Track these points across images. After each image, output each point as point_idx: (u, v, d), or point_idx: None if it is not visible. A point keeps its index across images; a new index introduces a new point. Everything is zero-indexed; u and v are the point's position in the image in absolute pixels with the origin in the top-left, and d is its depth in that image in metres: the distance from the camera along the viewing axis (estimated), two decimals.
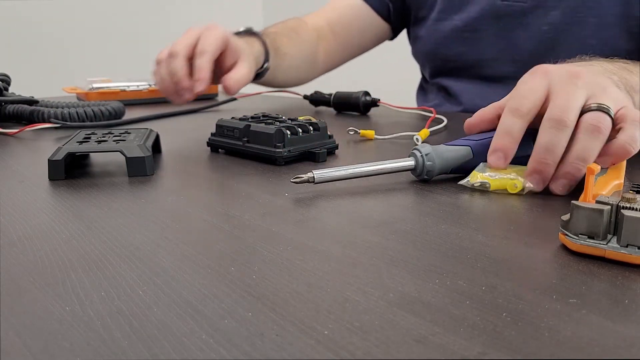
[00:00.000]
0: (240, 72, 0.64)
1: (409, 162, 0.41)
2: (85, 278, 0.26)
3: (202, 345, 0.20)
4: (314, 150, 0.49)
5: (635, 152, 0.37)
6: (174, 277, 0.26)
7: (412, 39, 0.93)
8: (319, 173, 0.36)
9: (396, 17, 0.92)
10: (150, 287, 0.25)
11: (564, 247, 0.29)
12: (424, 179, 0.42)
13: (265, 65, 0.74)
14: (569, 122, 0.37)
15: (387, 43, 0.97)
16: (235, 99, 0.93)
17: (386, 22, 0.91)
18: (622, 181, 0.35)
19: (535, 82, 0.40)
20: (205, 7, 2.20)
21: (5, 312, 0.23)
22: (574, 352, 0.19)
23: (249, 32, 0.75)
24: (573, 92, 0.38)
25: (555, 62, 0.45)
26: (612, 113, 0.37)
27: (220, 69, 0.65)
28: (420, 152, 0.41)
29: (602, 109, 0.37)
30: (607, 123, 0.37)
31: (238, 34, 0.73)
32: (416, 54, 0.94)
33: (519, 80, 0.42)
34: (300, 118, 0.53)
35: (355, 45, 0.94)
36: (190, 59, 0.62)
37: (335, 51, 0.93)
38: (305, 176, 0.36)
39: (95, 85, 0.93)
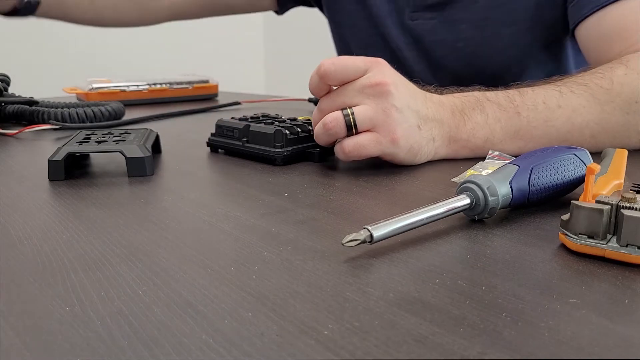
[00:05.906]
0: None
1: (465, 202, 0.32)
2: (85, 278, 0.26)
3: (202, 345, 0.20)
4: (314, 150, 0.49)
5: (345, 156, 0.43)
6: (174, 277, 0.26)
7: (336, 34, 0.88)
8: (376, 232, 0.28)
9: None
10: (150, 287, 0.25)
11: (564, 247, 0.29)
12: (485, 218, 0.33)
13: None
14: (324, 109, 0.45)
15: None
16: (238, 103, 0.92)
17: None
18: (622, 181, 0.35)
19: (365, 67, 0.43)
20: None
21: (5, 312, 0.23)
22: (574, 352, 0.19)
23: None
24: (350, 90, 0.43)
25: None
26: (352, 120, 0.43)
27: None
28: (479, 186, 0.32)
29: (345, 113, 0.43)
30: (336, 124, 0.43)
31: None
32: (342, 51, 0.89)
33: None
34: (300, 118, 0.53)
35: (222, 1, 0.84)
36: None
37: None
38: (360, 237, 0.28)
39: (95, 86, 0.92)
